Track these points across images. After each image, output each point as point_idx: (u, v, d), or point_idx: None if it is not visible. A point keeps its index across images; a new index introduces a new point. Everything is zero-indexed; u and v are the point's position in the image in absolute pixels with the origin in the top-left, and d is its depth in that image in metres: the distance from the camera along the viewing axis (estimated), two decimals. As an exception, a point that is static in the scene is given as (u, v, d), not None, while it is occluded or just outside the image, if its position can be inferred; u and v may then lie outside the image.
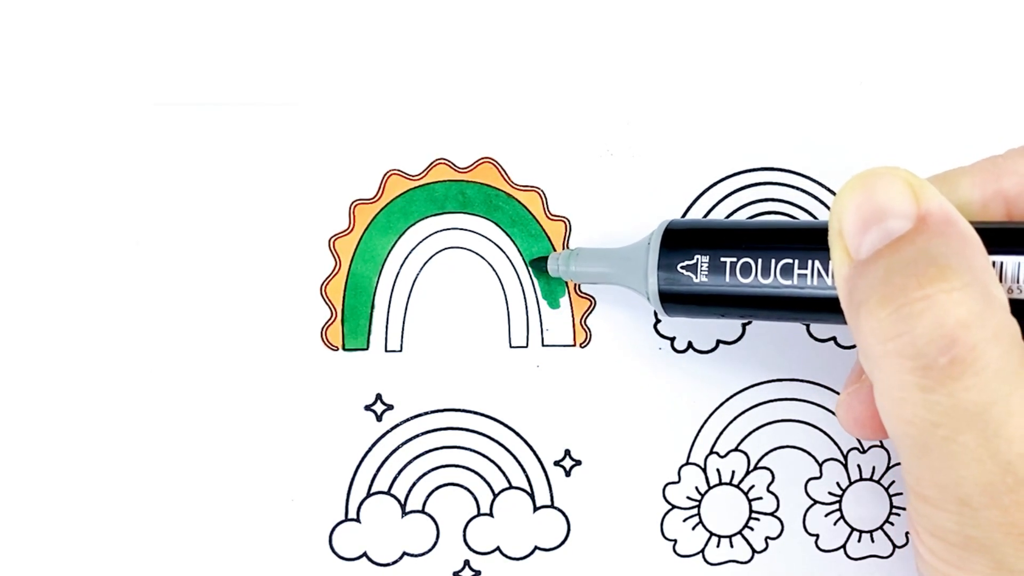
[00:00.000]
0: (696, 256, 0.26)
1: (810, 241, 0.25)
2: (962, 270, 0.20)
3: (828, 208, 0.32)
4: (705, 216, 0.32)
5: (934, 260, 0.20)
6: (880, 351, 0.20)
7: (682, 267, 0.27)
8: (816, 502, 0.32)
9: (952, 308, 0.19)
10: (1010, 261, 0.22)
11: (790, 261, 0.25)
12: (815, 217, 0.32)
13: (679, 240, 0.27)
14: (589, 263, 0.30)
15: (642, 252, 0.28)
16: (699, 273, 0.26)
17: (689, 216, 0.32)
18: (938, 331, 0.19)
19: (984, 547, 0.20)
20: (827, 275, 0.24)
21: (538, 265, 0.31)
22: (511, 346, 0.32)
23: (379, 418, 0.31)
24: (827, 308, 0.24)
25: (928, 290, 0.19)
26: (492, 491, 0.31)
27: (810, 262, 0.24)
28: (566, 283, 0.32)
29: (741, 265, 0.26)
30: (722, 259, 0.26)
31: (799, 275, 0.25)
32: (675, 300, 0.27)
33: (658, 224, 0.28)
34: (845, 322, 0.22)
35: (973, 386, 0.19)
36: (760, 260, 0.25)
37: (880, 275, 0.20)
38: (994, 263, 0.22)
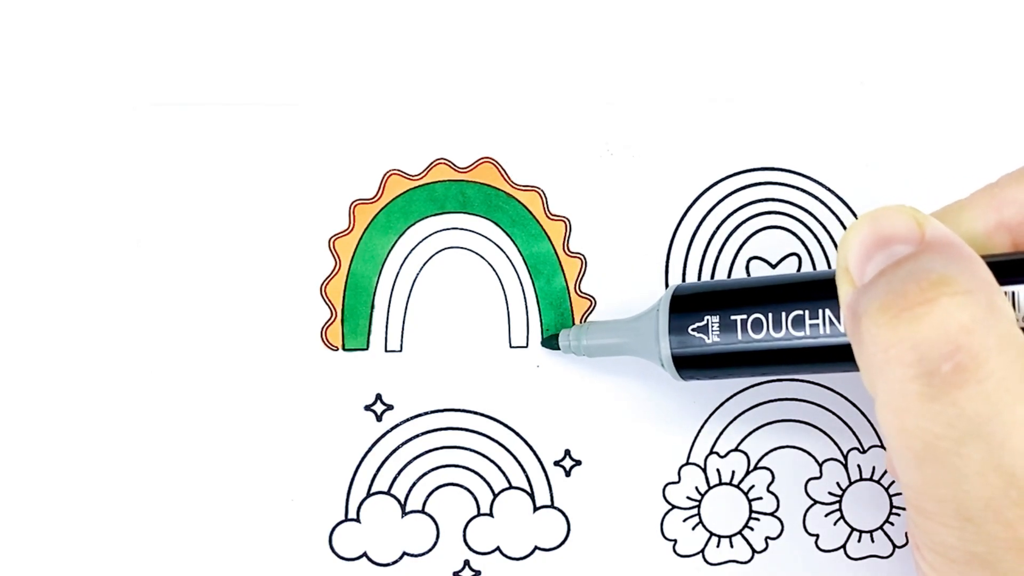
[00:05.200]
0: (706, 317, 0.26)
1: (819, 291, 0.25)
2: (965, 278, 0.19)
3: (828, 208, 0.32)
4: (705, 217, 0.32)
5: (937, 270, 0.19)
6: (882, 359, 0.20)
7: (693, 329, 0.26)
8: (816, 502, 0.32)
9: (955, 312, 0.19)
10: (1022, 291, 0.22)
11: (800, 312, 0.25)
12: (815, 217, 0.32)
13: (688, 303, 0.27)
14: (600, 336, 0.29)
15: (652, 319, 0.28)
16: (711, 334, 0.26)
17: (690, 216, 0.32)
18: (941, 336, 0.19)
19: (987, 563, 0.20)
20: (839, 323, 0.24)
21: (550, 343, 0.31)
22: (511, 346, 0.32)
23: (379, 418, 0.31)
24: (842, 356, 0.24)
25: (930, 294, 0.19)
26: (492, 491, 0.31)
27: (821, 311, 0.24)
28: (566, 283, 0.32)
29: (752, 321, 0.25)
30: (732, 317, 0.26)
31: (811, 325, 0.25)
32: (689, 364, 0.27)
33: (665, 290, 0.28)
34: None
35: (977, 395, 0.19)
36: (770, 314, 0.25)
37: (882, 287, 0.20)
38: (1006, 294, 0.21)
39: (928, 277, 0.19)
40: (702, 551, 0.32)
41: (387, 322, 0.31)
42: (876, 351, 0.20)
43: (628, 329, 0.29)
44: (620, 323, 0.29)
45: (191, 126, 0.31)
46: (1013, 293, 0.22)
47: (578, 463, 0.31)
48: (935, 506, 0.20)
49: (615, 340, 0.29)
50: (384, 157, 0.32)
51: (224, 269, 0.31)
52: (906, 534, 0.32)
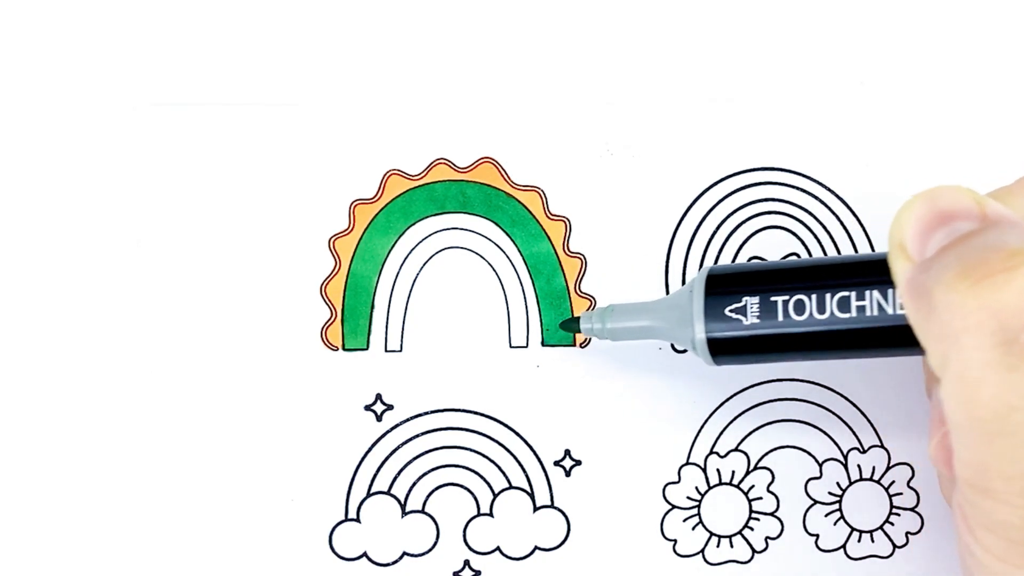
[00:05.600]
0: (744, 298, 0.25)
1: (867, 272, 0.24)
2: None
3: (828, 208, 0.32)
4: (705, 217, 0.32)
5: (1011, 242, 0.19)
6: (959, 327, 0.19)
7: (730, 311, 0.25)
8: (816, 502, 0.32)
9: None
10: None
11: (847, 294, 0.24)
12: (815, 217, 0.32)
13: (724, 283, 0.26)
14: (627, 318, 0.28)
15: (684, 300, 0.26)
16: (749, 315, 0.25)
17: (690, 216, 0.32)
18: (1023, 304, 0.18)
19: None
20: (888, 304, 0.23)
21: (569, 326, 0.30)
22: (511, 346, 0.32)
23: (379, 418, 0.31)
24: (890, 339, 0.23)
25: (1011, 262, 0.19)
26: (492, 491, 0.31)
27: (868, 293, 0.24)
28: (566, 283, 0.32)
29: (794, 303, 0.24)
30: (772, 299, 0.25)
31: (858, 307, 0.24)
32: (725, 348, 0.26)
33: (698, 271, 0.27)
34: (911, 350, 0.22)
35: None
36: (814, 295, 0.24)
37: (955, 255, 0.20)
38: None
39: (1005, 247, 0.19)
40: (702, 551, 0.32)
41: (387, 322, 0.31)
42: (952, 319, 0.19)
43: (658, 310, 0.28)
44: (649, 304, 0.28)
45: (191, 126, 0.31)
46: None
47: (578, 463, 0.31)
48: (1001, 483, 0.20)
49: (643, 323, 0.28)
50: (384, 157, 0.32)
51: (224, 269, 0.31)
52: (906, 534, 0.32)
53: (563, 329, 0.31)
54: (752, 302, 0.25)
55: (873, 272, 0.24)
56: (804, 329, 0.25)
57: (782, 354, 0.26)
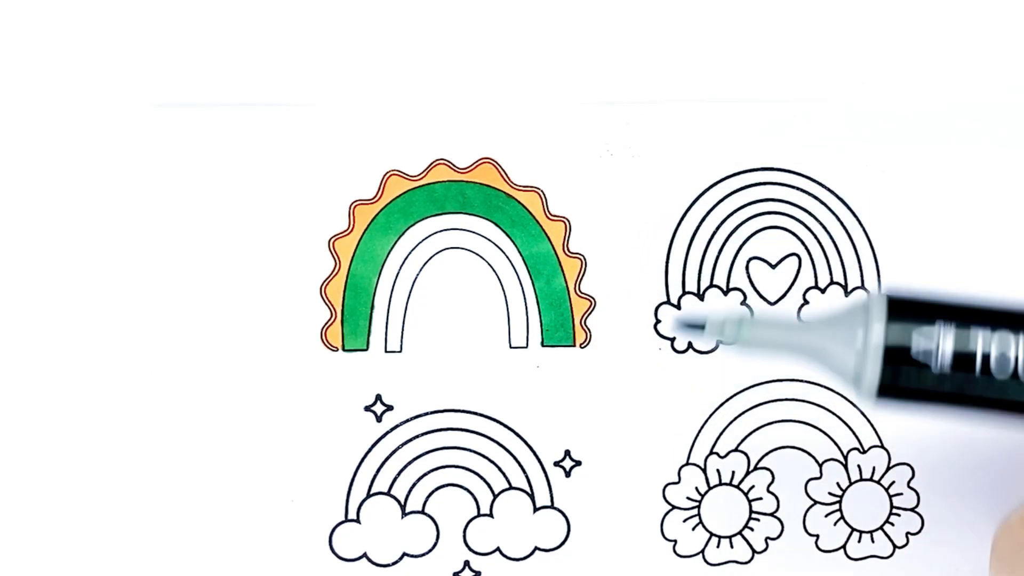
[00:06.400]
0: (938, 335, 0.20)
1: None
2: None
3: (828, 208, 0.32)
4: (705, 217, 0.32)
5: None
6: None
7: (917, 353, 0.20)
8: (816, 502, 0.32)
9: None
10: None
11: None
12: (816, 218, 0.32)
13: (911, 311, 0.20)
14: (768, 331, 0.22)
15: (852, 323, 0.21)
16: (939, 362, 0.20)
17: (691, 217, 0.32)
18: None
19: None
20: None
21: (690, 331, 0.23)
22: (511, 346, 0.32)
23: (379, 419, 0.31)
24: None
25: None
26: (492, 491, 0.31)
27: None
28: (566, 283, 0.32)
29: (997, 355, 0.20)
30: (972, 346, 0.20)
31: None
32: (897, 392, 0.21)
33: (869, 293, 0.23)
34: None
35: None
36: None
37: None
38: None
39: None
40: (702, 551, 0.32)
41: (387, 322, 0.31)
42: None
43: (812, 329, 0.22)
44: (806, 323, 0.23)
45: (190, 127, 0.31)
46: None
47: (578, 463, 0.31)
48: None
49: (792, 335, 0.22)
50: (384, 157, 0.32)
51: (224, 270, 0.31)
52: (907, 534, 0.32)
53: (679, 330, 0.26)
54: (947, 341, 0.20)
55: None
56: (1010, 393, 0.20)
57: (972, 410, 0.21)
